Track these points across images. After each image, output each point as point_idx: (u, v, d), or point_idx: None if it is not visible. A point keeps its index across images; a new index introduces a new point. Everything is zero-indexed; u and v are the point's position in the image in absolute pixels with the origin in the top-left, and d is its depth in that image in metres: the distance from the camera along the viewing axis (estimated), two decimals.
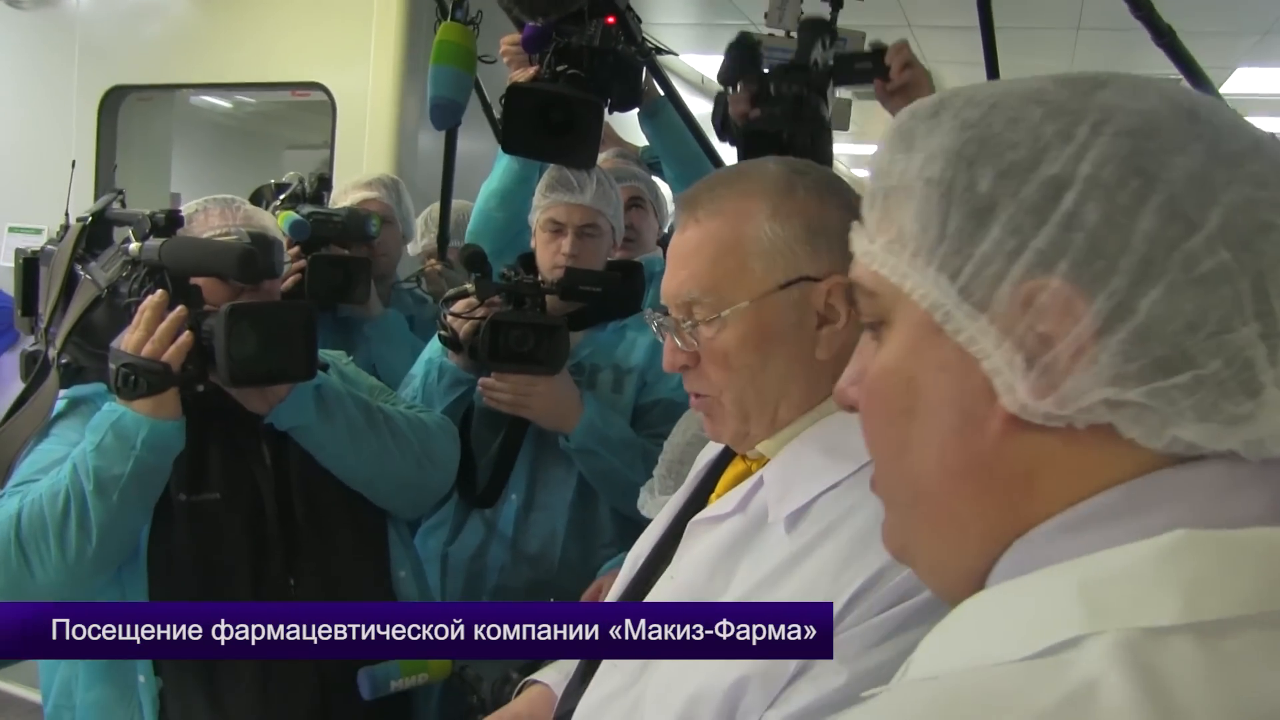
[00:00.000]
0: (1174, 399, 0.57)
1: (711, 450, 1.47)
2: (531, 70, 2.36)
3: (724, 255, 1.23)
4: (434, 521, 2.37)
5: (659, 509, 1.76)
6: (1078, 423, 0.59)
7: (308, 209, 2.73)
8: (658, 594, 1.30)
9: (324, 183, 2.85)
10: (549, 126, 2.24)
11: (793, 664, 1.10)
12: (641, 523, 1.63)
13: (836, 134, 2.39)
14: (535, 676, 1.52)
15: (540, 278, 2.28)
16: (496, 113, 2.83)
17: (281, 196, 2.79)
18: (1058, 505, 0.61)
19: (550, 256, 2.35)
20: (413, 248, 3.43)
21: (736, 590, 1.19)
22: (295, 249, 2.63)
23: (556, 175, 2.36)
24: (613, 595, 1.45)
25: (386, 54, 3.90)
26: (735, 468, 1.36)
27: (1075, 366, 0.58)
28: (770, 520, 1.21)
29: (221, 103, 7.63)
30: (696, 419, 1.63)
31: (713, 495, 1.36)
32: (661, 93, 2.60)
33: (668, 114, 2.60)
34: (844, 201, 1.26)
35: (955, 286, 0.62)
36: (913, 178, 0.64)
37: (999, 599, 0.62)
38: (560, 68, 2.25)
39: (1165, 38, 2.39)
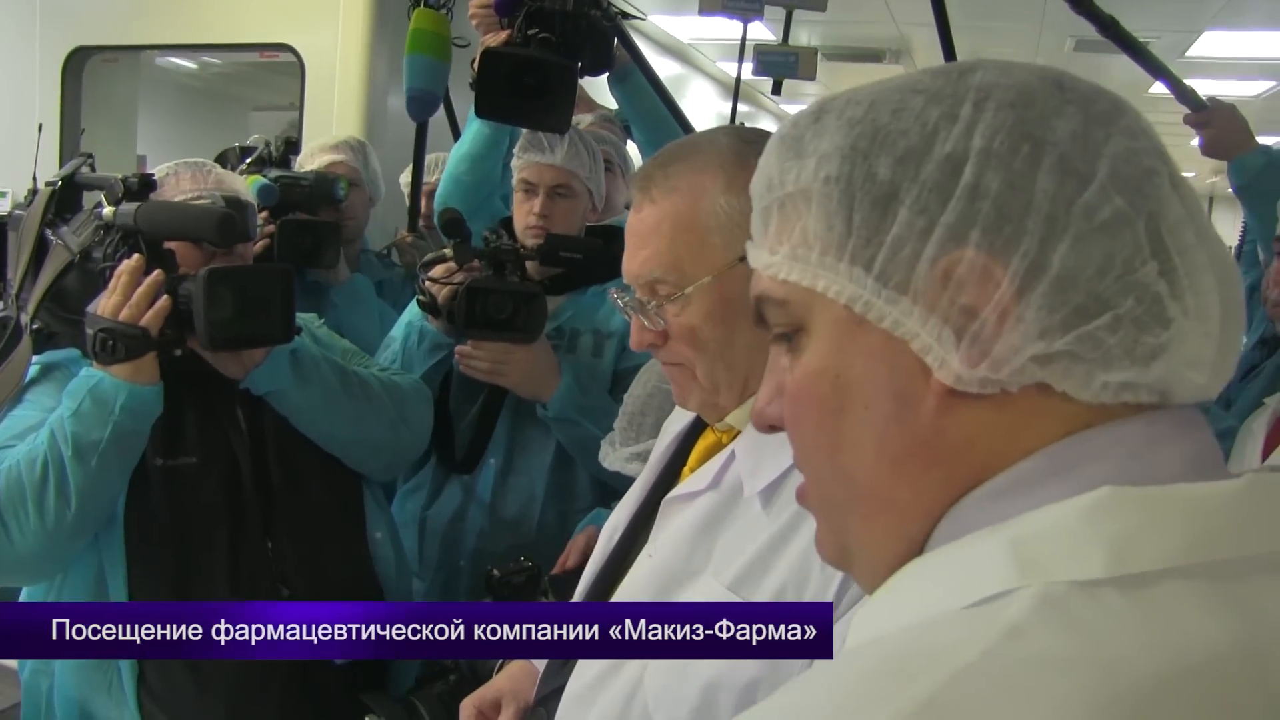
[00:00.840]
0: (1099, 340, 0.60)
1: (679, 421, 1.48)
2: (504, 34, 2.35)
3: (682, 232, 1.23)
4: (412, 485, 2.38)
5: (620, 461, 1.78)
6: (1011, 385, 0.61)
7: (275, 173, 2.72)
8: (637, 573, 1.31)
9: (291, 146, 2.83)
10: (523, 91, 2.23)
11: (797, 668, 1.11)
12: (620, 488, 1.64)
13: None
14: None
15: (519, 243, 2.26)
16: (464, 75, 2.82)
17: (248, 160, 2.77)
18: (992, 473, 0.63)
19: (523, 217, 2.35)
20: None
21: (724, 574, 1.19)
22: (263, 213, 2.61)
23: (530, 136, 2.36)
24: (590, 570, 1.45)
25: (355, 14, 3.87)
26: (706, 440, 1.37)
27: (1002, 329, 0.61)
28: (745, 495, 1.21)
29: (187, 64, 7.54)
30: (656, 370, 1.64)
31: (685, 469, 1.37)
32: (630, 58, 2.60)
33: (636, 78, 2.59)
34: None
35: (871, 275, 0.64)
36: (809, 180, 0.66)
37: (931, 562, 0.64)
38: (532, 31, 2.24)
39: (1109, 29, 2.45)
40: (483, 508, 2.29)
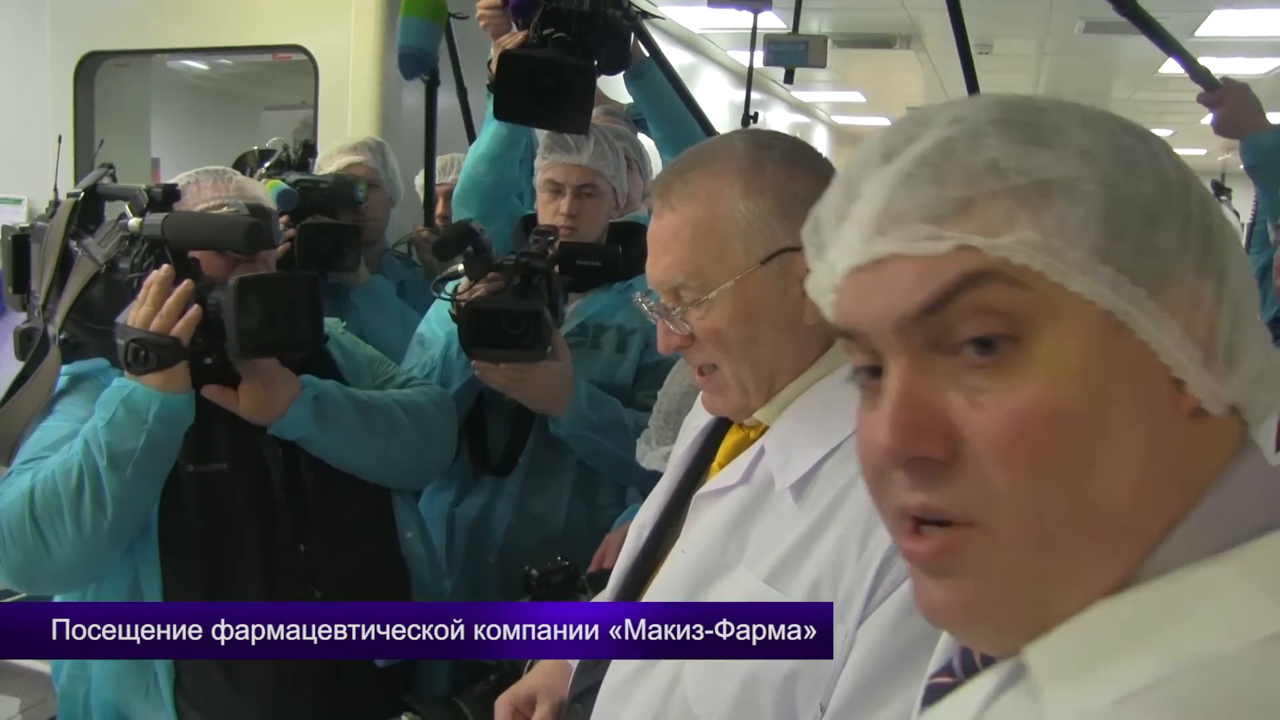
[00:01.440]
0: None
1: (699, 417, 1.50)
2: (520, 35, 2.35)
3: (702, 238, 1.25)
4: (440, 483, 2.38)
5: (658, 460, 1.78)
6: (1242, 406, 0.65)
7: (294, 176, 2.71)
8: (670, 568, 1.33)
9: (309, 149, 2.83)
10: (541, 92, 2.23)
11: (836, 661, 1.14)
12: (644, 489, 1.65)
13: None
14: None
15: (527, 252, 2.20)
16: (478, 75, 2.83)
17: (266, 164, 2.77)
18: (1197, 493, 0.62)
19: (549, 217, 2.36)
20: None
21: (758, 567, 1.21)
22: (283, 217, 2.62)
23: (555, 136, 2.36)
24: (620, 567, 1.47)
25: (367, 13, 3.87)
26: (734, 435, 1.38)
27: (1238, 351, 0.63)
28: (777, 489, 1.23)
29: (198, 65, 7.55)
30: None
31: (713, 465, 1.39)
32: (647, 54, 2.60)
33: (653, 75, 2.59)
34: (813, 170, 1.28)
35: (1137, 285, 0.61)
36: (1071, 172, 0.61)
37: (1169, 595, 0.61)
38: (548, 32, 2.24)
39: (1125, 6, 2.45)
40: (510, 503, 2.30)
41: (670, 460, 1.53)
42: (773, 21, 4.91)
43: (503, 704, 1.48)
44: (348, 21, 3.87)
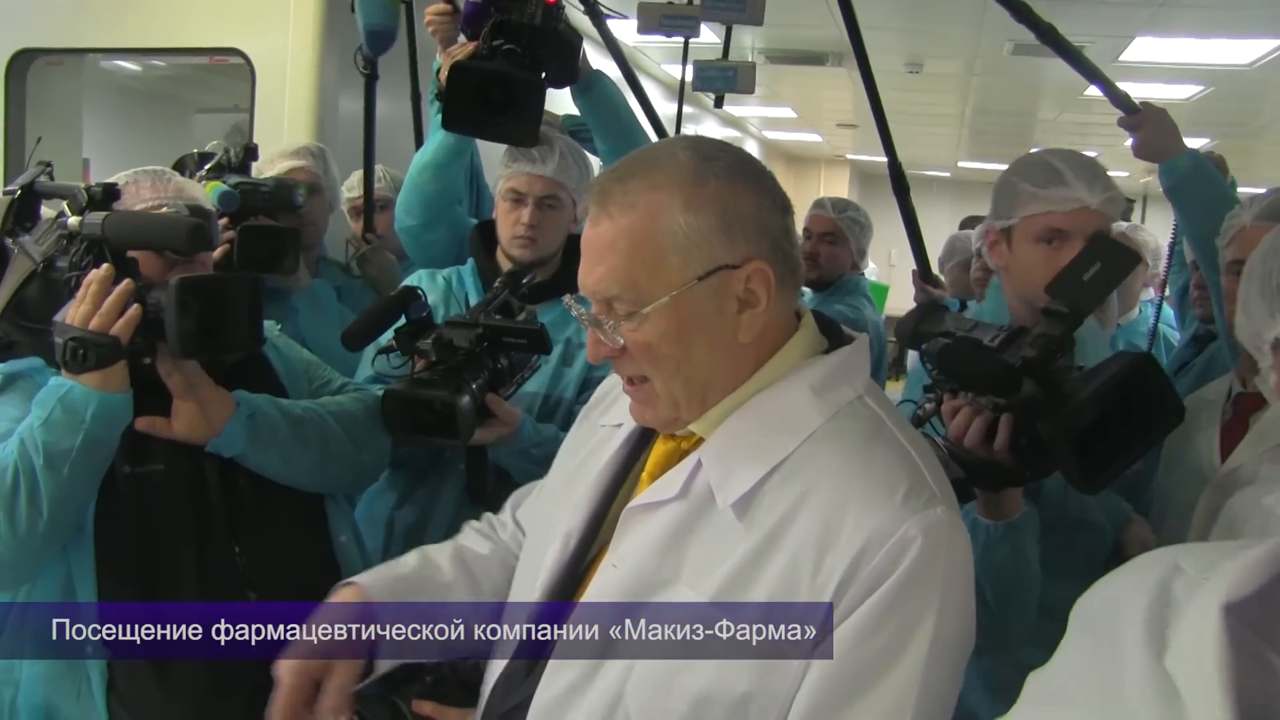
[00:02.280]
0: None
1: (617, 418, 1.47)
2: (470, 46, 2.37)
3: (639, 250, 1.22)
4: (380, 485, 2.38)
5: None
6: None
7: (234, 179, 2.70)
8: (600, 583, 1.30)
9: (250, 153, 2.82)
10: (490, 104, 2.25)
11: (791, 674, 1.16)
12: None
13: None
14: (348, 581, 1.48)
15: (455, 323, 2.15)
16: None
17: (207, 166, 2.76)
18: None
19: (510, 227, 2.36)
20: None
21: (701, 586, 1.20)
22: (223, 219, 2.61)
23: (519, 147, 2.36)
24: (545, 577, 1.38)
25: (305, 18, 3.86)
26: (663, 445, 1.36)
27: None
28: (720, 506, 1.22)
29: (130, 66, 7.44)
30: None
31: (643, 475, 1.36)
32: (593, 67, 2.63)
33: (601, 87, 2.62)
34: (757, 185, 1.27)
35: None
36: None
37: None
38: (498, 43, 2.26)
39: (1047, 35, 2.55)
40: (449, 510, 2.31)
41: (582, 464, 1.47)
42: (707, 35, 4.97)
43: (286, 677, 1.39)
44: (285, 25, 3.85)
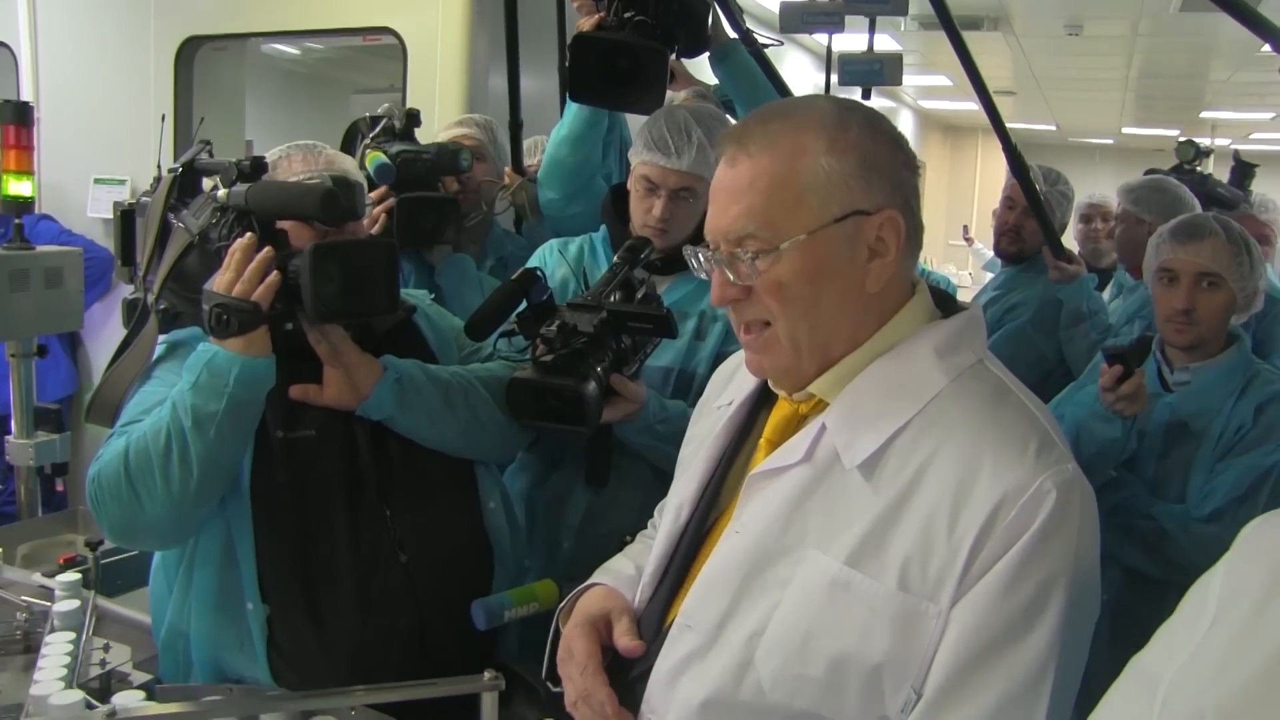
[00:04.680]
0: None
1: (724, 397, 1.49)
2: (597, 17, 2.36)
3: (779, 189, 1.23)
4: (518, 464, 2.39)
5: None
6: None
7: (397, 147, 2.70)
8: (724, 549, 1.30)
9: (413, 118, 2.81)
10: (615, 74, 2.23)
11: (929, 633, 1.14)
12: None
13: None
14: (588, 583, 1.53)
15: (579, 305, 2.11)
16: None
17: (372, 134, 2.77)
18: None
19: (642, 215, 2.33)
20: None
21: (832, 548, 1.20)
22: (383, 189, 2.63)
23: (655, 135, 2.30)
24: (661, 547, 1.42)
25: None
26: (781, 411, 1.36)
27: None
28: (846, 466, 1.22)
29: (290, 50, 7.69)
30: None
31: (760, 442, 1.36)
32: (732, 34, 2.59)
33: (738, 56, 2.57)
34: (892, 139, 1.28)
35: None
36: None
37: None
38: (627, 14, 2.25)
39: None
40: (587, 489, 2.30)
41: (698, 440, 1.50)
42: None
43: (577, 632, 1.43)
44: (436, 3, 3.92)
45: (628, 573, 1.52)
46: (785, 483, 1.26)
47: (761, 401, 1.42)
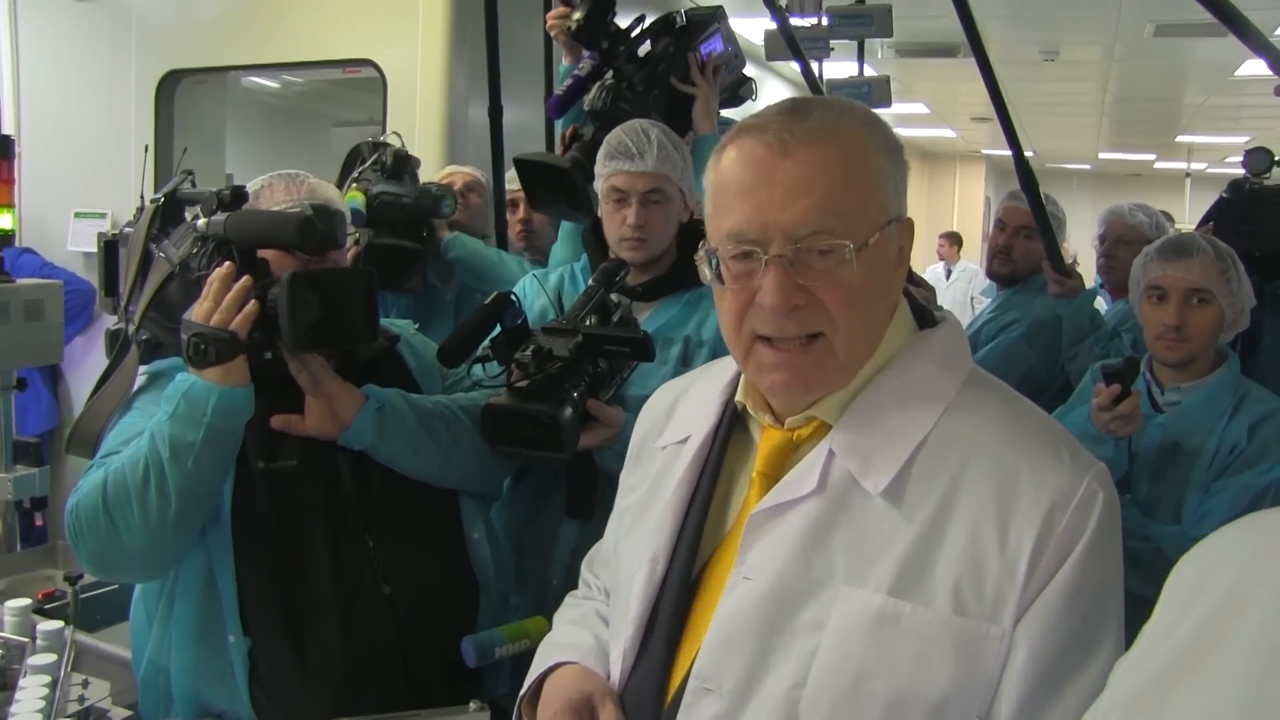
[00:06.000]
0: None
1: (671, 435, 1.38)
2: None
3: (854, 180, 1.14)
4: (507, 499, 2.36)
5: None
6: None
7: (379, 187, 2.70)
8: (735, 600, 1.18)
9: (402, 161, 2.79)
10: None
11: (994, 656, 1.08)
12: None
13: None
14: (561, 663, 1.39)
15: (554, 330, 2.07)
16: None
17: (359, 169, 2.77)
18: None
19: (616, 228, 2.29)
20: None
21: (870, 581, 1.11)
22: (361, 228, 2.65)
23: (615, 143, 2.29)
24: (634, 610, 1.28)
25: (434, 27, 3.94)
26: (772, 440, 1.25)
27: None
28: (872, 492, 1.14)
29: (270, 83, 7.71)
30: None
31: (755, 476, 1.25)
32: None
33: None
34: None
35: None
36: None
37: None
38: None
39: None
40: (575, 525, 2.25)
41: (649, 484, 1.38)
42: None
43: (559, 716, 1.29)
44: (415, 35, 3.94)
45: (588, 644, 1.39)
46: (797, 517, 1.17)
47: (723, 436, 1.31)
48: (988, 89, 3.03)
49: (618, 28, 2.60)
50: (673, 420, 1.40)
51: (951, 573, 1.09)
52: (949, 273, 11.17)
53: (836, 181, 1.13)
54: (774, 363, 1.19)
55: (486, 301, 2.06)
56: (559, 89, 2.65)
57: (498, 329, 2.07)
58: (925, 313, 1.29)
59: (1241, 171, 3.43)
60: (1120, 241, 3.74)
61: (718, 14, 2.70)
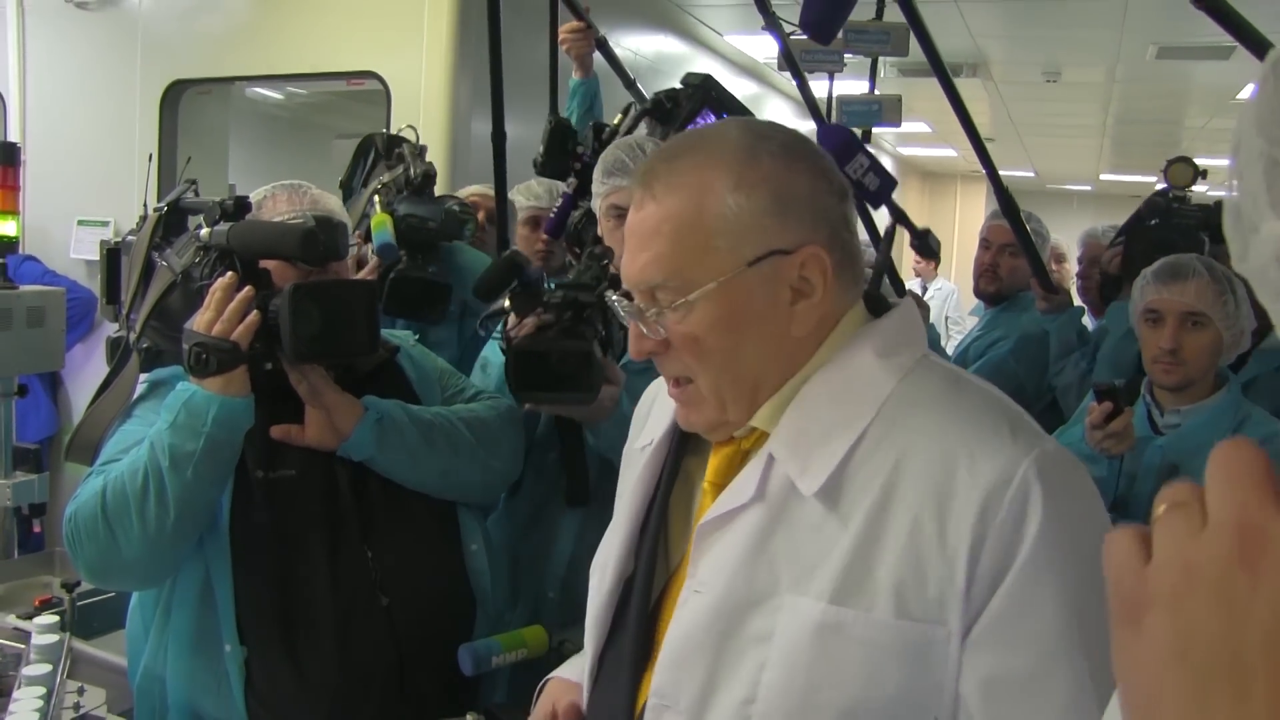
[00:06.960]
0: None
1: (645, 438, 1.36)
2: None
3: (686, 234, 1.13)
4: (499, 514, 2.34)
5: None
6: None
7: (405, 208, 2.67)
8: (688, 611, 1.16)
9: (428, 179, 2.77)
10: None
11: (948, 657, 1.04)
12: None
13: None
14: (553, 675, 1.45)
15: (575, 284, 2.08)
16: None
17: (383, 180, 2.74)
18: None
19: (618, 245, 2.25)
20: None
21: (811, 589, 1.08)
22: (376, 261, 2.62)
23: (612, 160, 2.29)
24: (592, 623, 1.30)
25: (439, 40, 3.96)
26: (721, 450, 1.24)
27: None
28: (805, 494, 1.11)
29: (273, 94, 7.73)
30: None
31: (706, 486, 1.24)
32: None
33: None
34: (813, 166, 1.18)
35: None
36: None
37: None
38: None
39: (1229, 20, 2.25)
40: (571, 538, 2.25)
41: (620, 496, 1.37)
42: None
43: None
44: (420, 48, 3.96)
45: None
46: (740, 527, 1.14)
47: (684, 438, 1.30)
48: (955, 109, 3.02)
49: (588, 155, 2.71)
50: (649, 422, 1.39)
51: (893, 574, 1.05)
52: (924, 289, 11.18)
53: (666, 237, 1.14)
54: (674, 397, 1.23)
55: (502, 255, 2.09)
56: (565, 111, 2.64)
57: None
58: (880, 302, 1.26)
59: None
60: (1095, 262, 3.79)
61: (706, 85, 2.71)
